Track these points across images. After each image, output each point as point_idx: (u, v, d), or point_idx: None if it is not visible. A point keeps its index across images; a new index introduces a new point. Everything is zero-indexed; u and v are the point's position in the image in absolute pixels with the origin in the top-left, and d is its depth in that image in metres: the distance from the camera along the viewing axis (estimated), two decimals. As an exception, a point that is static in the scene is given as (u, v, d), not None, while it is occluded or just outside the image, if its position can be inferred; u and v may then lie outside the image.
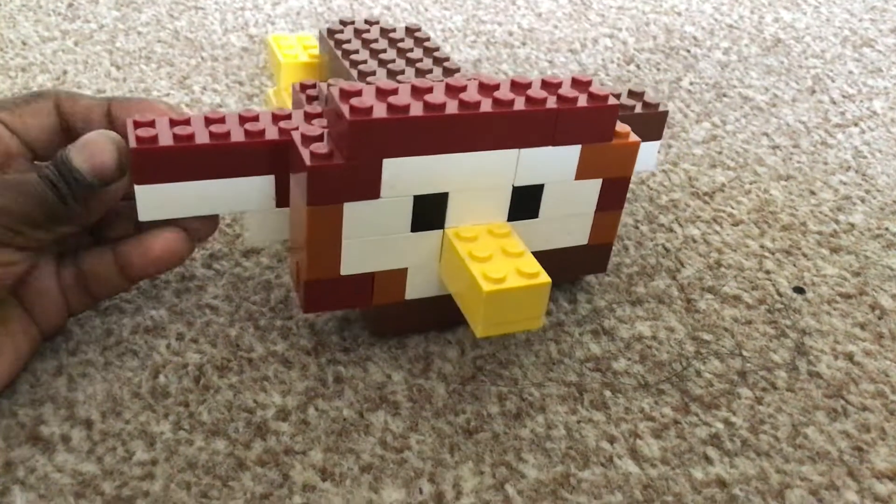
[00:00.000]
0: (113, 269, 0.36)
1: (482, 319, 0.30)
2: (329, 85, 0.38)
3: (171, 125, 0.33)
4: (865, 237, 0.41)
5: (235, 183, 0.34)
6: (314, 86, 0.39)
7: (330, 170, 0.30)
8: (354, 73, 0.41)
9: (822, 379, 0.33)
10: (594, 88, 0.33)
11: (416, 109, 0.30)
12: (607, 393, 0.33)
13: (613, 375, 0.34)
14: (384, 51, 0.43)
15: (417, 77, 0.39)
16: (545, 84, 0.33)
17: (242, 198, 0.34)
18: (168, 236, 0.35)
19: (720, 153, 0.48)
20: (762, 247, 0.41)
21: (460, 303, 0.32)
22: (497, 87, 0.32)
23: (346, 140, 0.30)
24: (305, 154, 0.31)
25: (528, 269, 0.31)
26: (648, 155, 0.39)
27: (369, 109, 0.30)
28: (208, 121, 0.34)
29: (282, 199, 0.34)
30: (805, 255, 0.40)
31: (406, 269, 0.34)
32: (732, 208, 0.44)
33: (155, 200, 0.33)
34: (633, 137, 0.34)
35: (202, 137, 0.33)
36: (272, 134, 0.33)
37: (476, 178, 0.32)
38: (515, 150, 0.32)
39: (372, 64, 0.42)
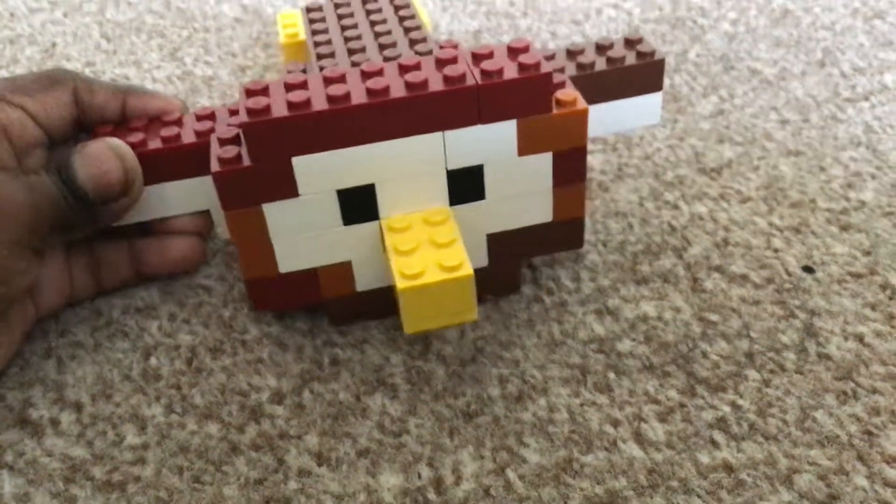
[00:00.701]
0: (126, 262, 0.36)
1: (405, 316, 0.29)
2: (288, 71, 0.37)
3: (156, 132, 0.34)
4: (876, 215, 0.40)
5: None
6: (304, 70, 0.38)
7: (236, 174, 0.29)
8: (314, 55, 0.39)
9: (832, 361, 0.32)
10: (526, 57, 0.30)
11: (319, 103, 0.29)
12: (611, 375, 0.32)
13: (617, 357, 0.33)
14: (354, 26, 0.41)
15: (382, 53, 0.38)
16: (474, 56, 0.30)
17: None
18: (187, 241, 0.36)
19: (727, 128, 0.47)
20: (770, 224, 0.40)
21: (395, 297, 0.31)
22: (417, 66, 0.30)
23: (247, 142, 0.29)
24: (214, 159, 0.30)
25: (451, 261, 0.29)
26: (649, 109, 0.37)
27: (267, 109, 0.28)
28: (199, 115, 0.35)
29: None
30: (814, 234, 0.39)
31: (350, 261, 0.33)
32: (740, 185, 0.42)
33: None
34: (581, 104, 0.31)
35: (189, 137, 0.34)
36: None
37: (402, 167, 0.30)
38: (439, 134, 0.30)
39: (335, 44, 0.40)
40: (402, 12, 0.41)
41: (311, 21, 0.43)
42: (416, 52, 0.38)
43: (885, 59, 0.53)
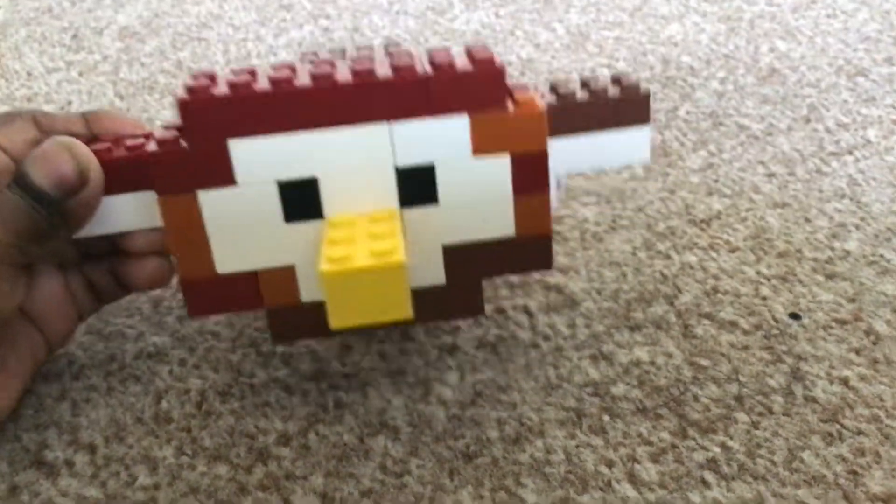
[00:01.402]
0: (112, 282, 0.36)
1: (330, 307, 0.27)
2: None
3: (122, 143, 0.32)
4: (860, 264, 0.41)
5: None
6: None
7: (171, 156, 0.29)
8: None
9: (818, 403, 0.34)
10: (480, 52, 0.29)
11: (261, 84, 0.28)
12: (606, 417, 0.34)
13: (612, 400, 0.34)
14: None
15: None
16: (428, 53, 0.29)
17: None
18: (153, 263, 0.34)
19: (716, 181, 0.49)
20: (758, 273, 0.41)
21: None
22: (368, 57, 0.29)
23: (184, 122, 0.28)
24: (151, 142, 0.29)
25: (382, 247, 0.27)
26: (636, 144, 0.34)
27: (205, 88, 0.28)
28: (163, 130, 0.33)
29: None
30: (801, 282, 0.40)
31: (293, 266, 0.31)
32: (729, 235, 0.44)
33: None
34: (539, 105, 0.30)
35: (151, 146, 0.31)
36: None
37: (347, 160, 0.29)
38: (386, 126, 0.28)
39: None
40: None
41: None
42: None
43: (867, 115, 0.56)
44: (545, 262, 0.33)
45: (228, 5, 0.77)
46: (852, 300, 0.39)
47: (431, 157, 0.29)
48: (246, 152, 0.28)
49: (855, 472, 0.31)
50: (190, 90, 0.28)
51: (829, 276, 0.41)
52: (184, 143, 0.29)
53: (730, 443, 0.32)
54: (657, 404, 0.34)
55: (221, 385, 0.36)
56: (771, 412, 0.33)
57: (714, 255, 0.43)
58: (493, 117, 0.29)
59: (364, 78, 0.27)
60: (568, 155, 0.33)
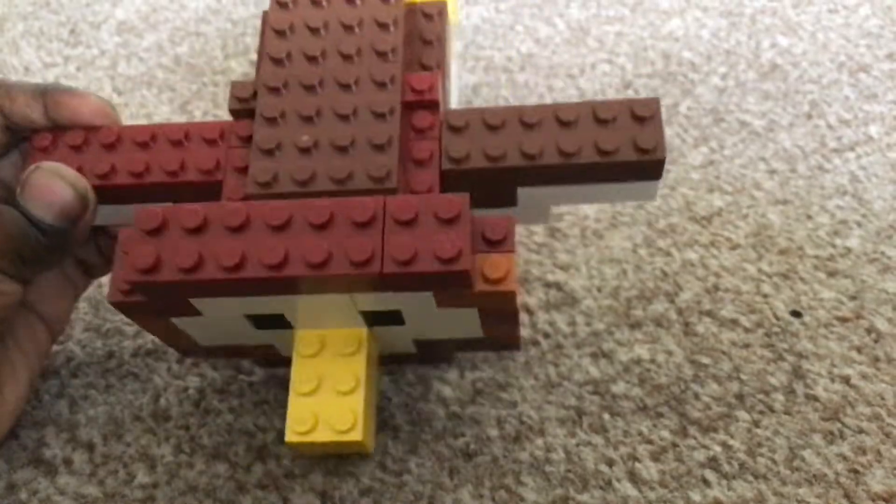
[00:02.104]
0: (100, 258, 0.35)
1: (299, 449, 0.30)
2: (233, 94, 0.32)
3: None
4: (862, 261, 0.41)
5: None
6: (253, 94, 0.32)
7: (133, 305, 0.28)
8: (259, 80, 0.32)
9: (819, 402, 0.34)
10: (453, 235, 0.25)
11: (209, 270, 0.26)
12: (606, 416, 0.33)
13: (612, 398, 0.34)
14: (321, 39, 0.33)
15: (337, 91, 0.31)
16: (395, 221, 0.26)
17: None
18: None
19: (717, 178, 0.49)
20: (759, 270, 0.41)
21: None
22: (323, 226, 0.26)
23: (139, 292, 0.27)
24: (111, 281, 0.28)
25: (344, 419, 0.28)
26: (643, 190, 0.32)
27: (155, 268, 0.26)
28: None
29: None
30: (802, 279, 0.40)
31: (272, 345, 0.32)
32: (730, 232, 0.44)
33: None
34: (510, 282, 0.26)
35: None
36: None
37: (312, 308, 0.28)
38: (346, 295, 0.27)
39: (287, 69, 0.32)
40: (381, 37, 0.32)
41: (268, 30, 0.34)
42: (375, 108, 0.31)
43: (869, 111, 0.55)
44: (514, 345, 0.33)
45: (227, 0, 0.76)
46: (854, 298, 0.39)
47: (397, 306, 0.28)
48: (209, 304, 0.28)
49: (856, 471, 0.31)
50: (138, 270, 0.26)
51: (831, 274, 0.41)
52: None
53: (731, 441, 0.32)
54: (658, 402, 0.34)
55: (220, 383, 0.36)
56: (772, 410, 0.33)
57: (715, 252, 0.42)
58: (458, 292, 0.27)
59: (317, 271, 0.26)
60: (566, 196, 0.31)
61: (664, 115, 0.56)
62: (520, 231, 0.45)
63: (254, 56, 0.68)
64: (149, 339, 0.38)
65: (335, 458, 0.32)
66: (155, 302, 0.28)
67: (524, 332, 0.38)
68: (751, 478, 0.31)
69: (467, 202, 0.26)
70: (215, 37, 0.71)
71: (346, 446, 0.29)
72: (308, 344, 0.30)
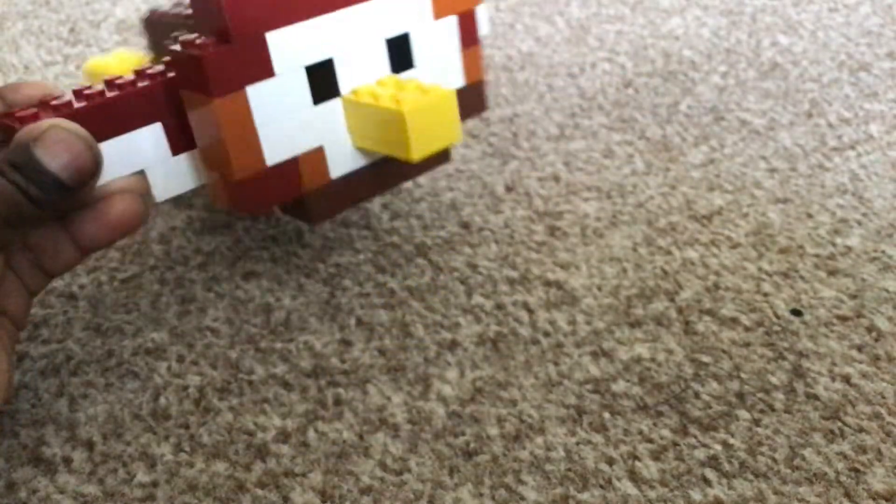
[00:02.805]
0: (65, 242, 0.34)
1: (413, 142, 0.33)
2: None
3: (48, 105, 0.32)
4: (862, 260, 0.41)
5: (123, 141, 0.33)
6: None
7: (221, 55, 0.31)
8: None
9: (820, 401, 0.34)
10: None
11: None
12: (606, 415, 0.33)
13: (612, 397, 0.34)
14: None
15: None
16: None
17: (135, 155, 0.33)
18: (123, 199, 0.33)
19: (718, 176, 0.49)
20: (760, 269, 0.41)
21: (383, 144, 0.35)
22: None
23: (227, 22, 0.31)
24: (194, 50, 0.31)
25: (428, 88, 0.34)
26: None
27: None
28: (78, 92, 0.33)
29: (175, 144, 0.34)
30: (802, 278, 0.40)
31: (322, 147, 0.36)
32: (730, 231, 0.44)
33: None
34: None
35: (79, 103, 0.32)
36: (142, 83, 0.33)
37: (353, 38, 0.35)
38: (376, 2, 0.35)
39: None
40: None
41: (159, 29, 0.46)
42: None
43: (870, 110, 0.55)
44: (482, 104, 0.42)
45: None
46: (854, 296, 0.39)
47: (408, 26, 0.37)
48: (280, 43, 0.33)
49: (856, 470, 0.31)
50: None
51: (831, 273, 0.40)
52: (223, 45, 0.32)
53: (731, 440, 0.32)
54: (658, 401, 0.34)
55: (220, 381, 0.36)
56: (772, 409, 0.33)
57: (715, 251, 0.42)
58: None
59: None
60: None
61: (664, 113, 0.56)
62: (520, 230, 0.45)
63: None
64: (148, 338, 0.38)
65: (334, 457, 0.32)
66: (238, 38, 0.32)
67: (523, 331, 0.38)
68: (751, 477, 0.31)
69: None
70: (215, 35, 0.71)
71: (445, 111, 0.35)
72: (359, 89, 0.36)
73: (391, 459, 0.32)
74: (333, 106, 0.35)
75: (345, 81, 0.35)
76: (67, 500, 0.31)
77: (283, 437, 0.33)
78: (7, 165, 0.29)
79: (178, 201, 0.48)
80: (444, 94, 0.34)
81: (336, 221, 0.46)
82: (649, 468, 0.31)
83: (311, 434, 0.33)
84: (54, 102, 0.32)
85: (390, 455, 0.32)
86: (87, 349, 0.38)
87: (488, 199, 0.47)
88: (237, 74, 0.32)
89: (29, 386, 0.36)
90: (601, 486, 0.31)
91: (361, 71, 0.36)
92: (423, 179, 0.50)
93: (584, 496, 0.30)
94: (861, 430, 0.32)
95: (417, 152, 0.34)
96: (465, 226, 0.45)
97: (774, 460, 0.31)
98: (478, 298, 0.40)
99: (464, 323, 0.38)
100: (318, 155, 0.36)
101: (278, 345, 0.38)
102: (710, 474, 0.31)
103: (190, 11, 0.45)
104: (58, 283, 0.42)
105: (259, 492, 0.31)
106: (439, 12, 0.38)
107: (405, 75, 0.38)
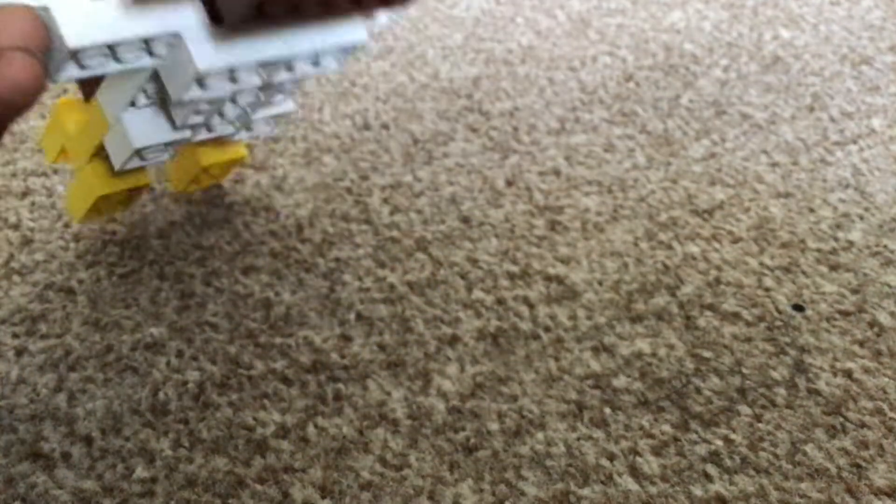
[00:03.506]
0: None
1: None
2: None
3: None
4: (864, 255, 0.41)
5: None
6: None
7: None
8: None
9: (821, 396, 0.33)
10: None
11: None
12: (607, 410, 0.33)
13: (613, 392, 0.34)
14: None
15: None
16: None
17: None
18: (10, 64, 0.26)
19: (719, 170, 0.49)
20: (761, 264, 0.41)
21: None
22: None
23: None
24: None
25: None
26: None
27: None
28: None
29: None
30: (804, 273, 0.40)
31: None
32: (731, 225, 0.44)
33: None
34: None
35: None
36: None
37: None
38: None
39: None
40: None
41: None
42: None
43: (872, 104, 0.55)
44: None
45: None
46: (856, 291, 0.39)
47: None
48: None
49: (858, 466, 0.31)
50: None
51: (833, 267, 0.40)
52: None
53: (732, 436, 0.32)
54: (659, 397, 0.34)
55: (219, 377, 0.36)
56: (774, 405, 0.33)
57: (717, 245, 0.42)
58: None
59: None
60: None
61: (665, 107, 0.56)
62: (520, 224, 0.44)
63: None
64: (147, 333, 0.38)
65: (334, 453, 0.32)
66: None
67: (524, 325, 0.38)
68: (752, 472, 0.31)
69: None
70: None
71: None
72: None
73: (391, 455, 0.32)
74: None
75: None
76: (66, 495, 0.31)
77: (283, 432, 0.33)
78: None
79: (178, 196, 0.48)
80: None
81: (335, 216, 0.46)
82: (650, 463, 0.31)
83: (311, 429, 0.33)
84: None
85: (390, 450, 0.32)
86: (85, 344, 0.38)
87: (489, 194, 0.47)
88: None
89: (27, 381, 0.36)
90: (602, 482, 0.31)
91: None
92: (422, 174, 0.49)
93: (585, 492, 0.30)
94: (863, 425, 0.32)
95: None
96: (466, 220, 0.45)
97: (776, 456, 0.31)
98: (478, 293, 0.40)
99: (464, 318, 0.38)
100: None
101: (278, 340, 0.38)
102: (712, 470, 0.31)
103: None
104: (56, 278, 0.42)
105: (259, 487, 0.31)
106: None
107: None
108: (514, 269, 0.41)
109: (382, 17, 0.35)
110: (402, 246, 0.43)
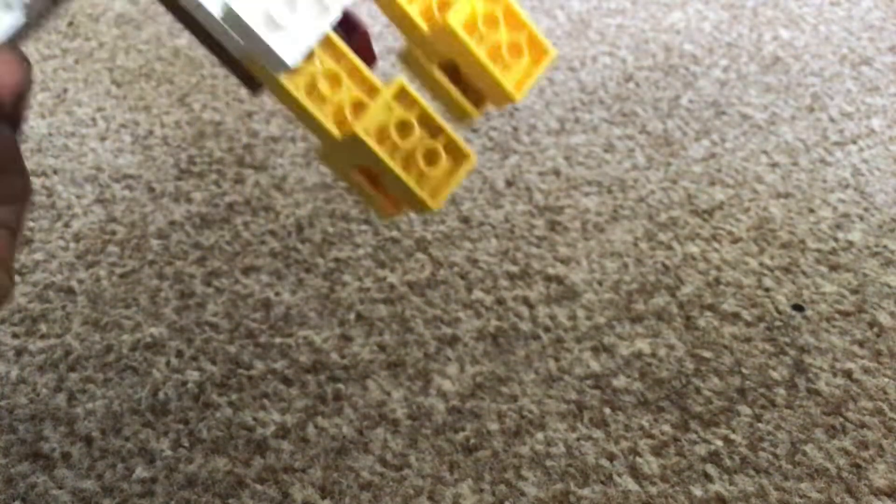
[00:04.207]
0: None
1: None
2: None
3: None
4: (864, 255, 0.41)
5: None
6: None
7: None
8: None
9: (821, 396, 0.33)
10: None
11: None
12: (607, 410, 0.33)
13: (613, 392, 0.34)
14: None
15: None
16: None
17: None
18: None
19: (719, 171, 0.49)
20: (761, 264, 0.41)
21: None
22: None
23: None
24: None
25: None
26: None
27: None
28: None
29: None
30: (804, 273, 0.40)
31: None
32: (731, 226, 0.44)
33: None
34: None
35: None
36: None
37: None
38: None
39: None
40: None
41: None
42: None
43: (872, 104, 0.55)
44: None
45: (226, -8, 0.76)
46: (856, 292, 0.39)
47: None
48: None
49: (858, 466, 0.31)
50: None
51: (833, 268, 0.40)
52: None
53: (732, 436, 0.32)
54: (659, 397, 0.34)
55: (219, 377, 0.36)
56: (774, 405, 0.33)
57: (716, 245, 0.42)
58: None
59: None
60: None
61: (664, 107, 0.56)
62: (520, 224, 0.44)
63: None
64: (147, 333, 0.38)
65: (334, 453, 0.32)
66: None
67: (524, 326, 0.38)
68: (752, 472, 0.31)
69: None
70: (214, 29, 0.70)
71: None
72: None
73: (391, 455, 0.32)
74: None
75: None
76: (66, 495, 0.31)
77: (283, 432, 0.33)
78: None
79: (178, 195, 0.48)
80: None
81: (335, 216, 0.46)
82: (650, 464, 0.31)
83: (311, 429, 0.33)
84: None
85: (390, 450, 0.32)
86: (85, 344, 0.38)
87: (488, 194, 0.47)
88: None
89: (27, 381, 0.36)
90: (602, 482, 0.31)
91: None
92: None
93: (585, 492, 0.30)
94: (863, 425, 0.32)
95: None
96: (465, 220, 0.45)
97: (776, 456, 0.31)
98: (478, 293, 0.40)
99: (464, 318, 0.38)
100: None
101: (278, 340, 0.38)
102: (712, 470, 0.31)
103: None
104: (56, 278, 0.42)
105: (258, 487, 0.31)
106: None
107: None
108: (514, 269, 0.41)
109: None
110: (402, 246, 0.43)
